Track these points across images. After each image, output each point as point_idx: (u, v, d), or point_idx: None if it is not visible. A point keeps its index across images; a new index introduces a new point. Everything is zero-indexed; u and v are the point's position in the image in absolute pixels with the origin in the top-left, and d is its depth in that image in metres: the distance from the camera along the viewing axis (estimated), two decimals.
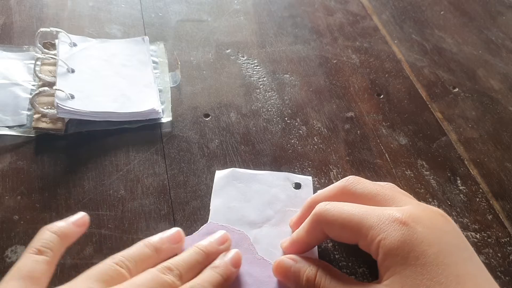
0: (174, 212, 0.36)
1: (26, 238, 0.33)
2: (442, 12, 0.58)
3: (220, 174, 0.39)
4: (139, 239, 0.30)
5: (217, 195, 0.37)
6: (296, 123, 0.44)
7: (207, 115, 0.43)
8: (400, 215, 0.26)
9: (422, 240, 0.25)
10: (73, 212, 0.35)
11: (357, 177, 0.32)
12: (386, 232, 0.25)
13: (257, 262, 0.33)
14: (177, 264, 0.28)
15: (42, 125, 0.39)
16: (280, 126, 0.43)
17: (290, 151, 0.41)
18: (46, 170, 0.38)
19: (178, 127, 0.42)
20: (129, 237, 0.34)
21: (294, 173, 0.39)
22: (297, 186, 0.39)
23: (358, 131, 0.44)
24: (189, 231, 0.34)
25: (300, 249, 0.32)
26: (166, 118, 0.42)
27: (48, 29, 0.44)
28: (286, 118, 0.44)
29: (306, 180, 0.39)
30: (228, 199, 0.37)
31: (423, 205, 0.29)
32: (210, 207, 0.36)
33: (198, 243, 0.31)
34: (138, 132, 0.41)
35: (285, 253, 0.33)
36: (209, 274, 0.29)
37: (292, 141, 0.42)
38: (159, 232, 0.31)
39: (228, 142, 0.41)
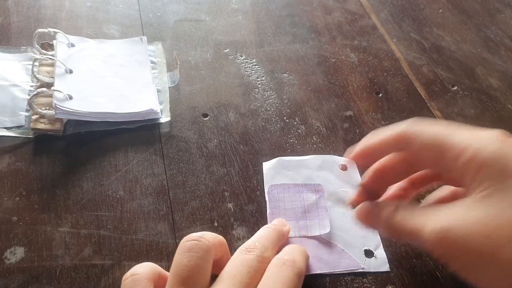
0: (173, 212, 0.36)
1: (25, 240, 0.33)
2: (440, 10, 0.58)
3: (267, 165, 0.39)
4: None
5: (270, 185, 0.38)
6: (295, 123, 0.44)
7: (205, 115, 0.43)
8: (494, 132, 0.24)
9: None
10: (72, 213, 0.35)
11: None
12: (482, 143, 0.23)
13: (324, 245, 0.34)
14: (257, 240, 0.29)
15: (41, 126, 0.39)
16: (279, 125, 0.43)
17: (289, 150, 0.41)
18: (45, 171, 0.37)
19: (176, 127, 0.42)
20: (128, 237, 0.34)
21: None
22: (343, 167, 0.40)
23: (357, 130, 0.44)
24: (188, 231, 0.34)
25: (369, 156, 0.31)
26: (164, 118, 0.42)
27: (46, 30, 0.44)
28: (284, 118, 0.44)
29: (350, 162, 0.40)
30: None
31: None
32: (266, 198, 0.37)
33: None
34: (137, 132, 0.41)
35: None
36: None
37: (291, 140, 0.42)
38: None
39: (227, 141, 0.41)
